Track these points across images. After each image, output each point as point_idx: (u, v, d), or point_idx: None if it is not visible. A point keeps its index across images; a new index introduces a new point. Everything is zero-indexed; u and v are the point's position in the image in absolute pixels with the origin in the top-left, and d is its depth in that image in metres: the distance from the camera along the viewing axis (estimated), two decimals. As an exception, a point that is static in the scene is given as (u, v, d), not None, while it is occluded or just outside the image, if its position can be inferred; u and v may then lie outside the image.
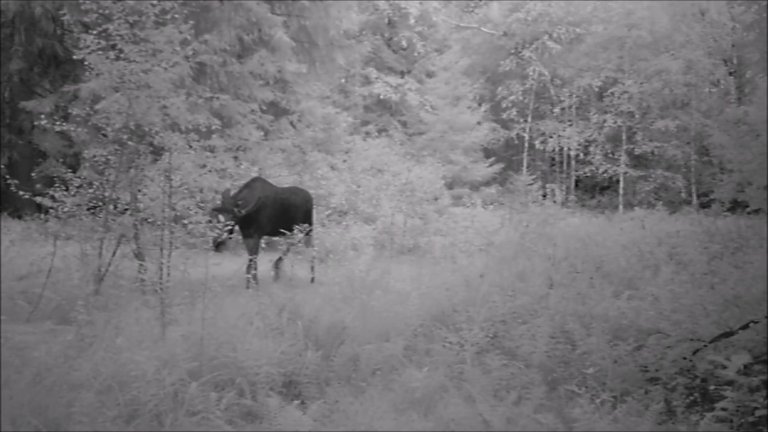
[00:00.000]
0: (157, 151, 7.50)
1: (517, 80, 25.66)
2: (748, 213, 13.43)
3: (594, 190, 25.80)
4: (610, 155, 24.49)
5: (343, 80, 23.02)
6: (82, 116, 7.31)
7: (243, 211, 8.20)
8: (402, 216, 13.03)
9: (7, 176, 7.28)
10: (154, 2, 7.39)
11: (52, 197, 7.01)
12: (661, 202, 20.30)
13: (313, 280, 8.77)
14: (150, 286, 6.10)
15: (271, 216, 8.79)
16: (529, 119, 25.57)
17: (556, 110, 25.73)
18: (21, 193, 6.94)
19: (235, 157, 13.26)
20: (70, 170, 7.38)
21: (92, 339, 4.75)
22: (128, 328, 4.89)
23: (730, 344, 4.52)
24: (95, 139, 7.75)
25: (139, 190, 7.26)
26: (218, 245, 7.17)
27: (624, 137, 23.94)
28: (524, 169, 24.25)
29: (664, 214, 16.56)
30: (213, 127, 9.61)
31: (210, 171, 8.21)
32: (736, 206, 15.08)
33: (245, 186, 8.87)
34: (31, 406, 3.72)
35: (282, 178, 12.86)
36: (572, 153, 25.26)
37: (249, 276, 7.71)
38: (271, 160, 13.78)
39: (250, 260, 8.06)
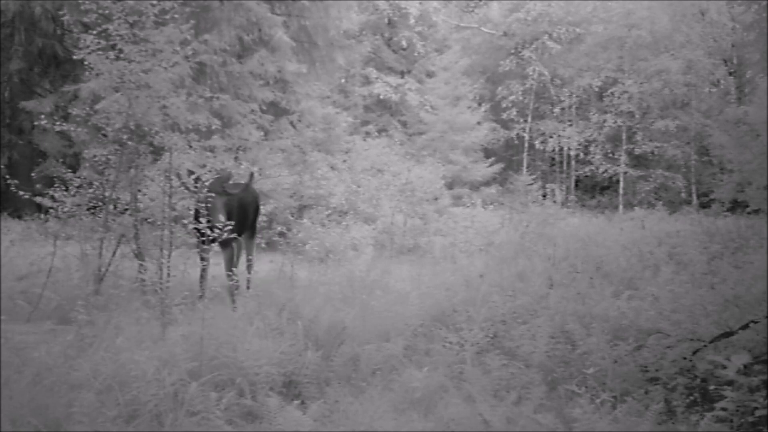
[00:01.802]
0: (157, 151, 7.49)
1: (517, 80, 25.66)
2: (748, 213, 13.42)
3: (594, 190, 25.80)
4: (610, 155, 24.50)
5: (343, 80, 23.02)
6: (82, 116, 7.30)
7: (236, 191, 7.17)
8: (402, 216, 13.04)
9: (7, 176, 7.27)
10: (154, 2, 7.38)
11: (52, 197, 7.00)
12: (661, 202, 20.31)
13: (248, 287, 7.39)
14: (150, 286, 6.09)
15: (238, 215, 7.63)
16: (529, 119, 25.58)
17: (556, 110, 25.74)
18: (21, 193, 6.94)
19: (235, 157, 13.27)
20: (70, 170, 7.38)
21: (92, 339, 4.74)
22: (128, 328, 4.89)
23: (730, 344, 4.53)
24: (95, 139, 7.74)
25: (139, 190, 7.25)
26: (226, 243, 6.38)
27: (624, 137, 23.95)
28: (524, 169, 24.26)
29: (664, 214, 16.58)
30: (213, 127, 9.59)
31: (210, 171, 8.21)
32: (736, 206, 15.07)
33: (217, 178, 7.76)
34: (31, 406, 3.72)
35: (282, 178, 12.86)
36: (572, 153, 25.26)
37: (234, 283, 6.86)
38: (271, 160, 13.77)
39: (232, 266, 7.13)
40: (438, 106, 23.40)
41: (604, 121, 24.17)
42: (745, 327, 4.52)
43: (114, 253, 7.04)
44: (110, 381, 4.00)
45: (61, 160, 10.93)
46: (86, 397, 3.74)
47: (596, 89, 24.82)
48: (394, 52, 25.58)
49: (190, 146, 7.28)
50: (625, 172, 23.76)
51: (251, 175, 7.98)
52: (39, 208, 8.04)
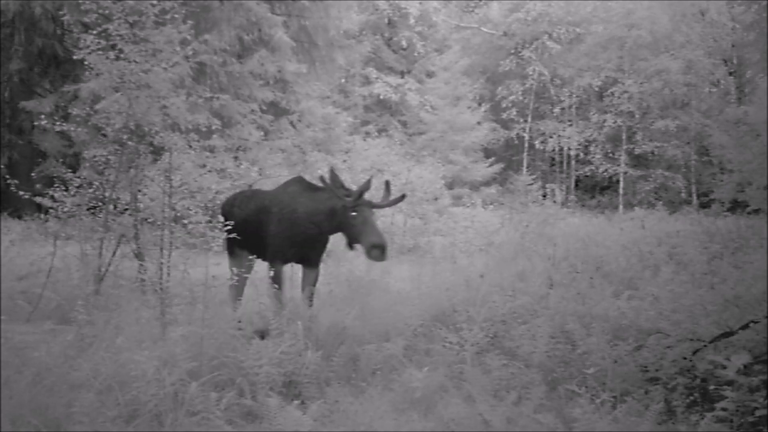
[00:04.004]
0: (157, 151, 7.49)
1: (517, 80, 25.68)
2: (748, 213, 13.40)
3: (594, 190, 25.81)
4: (610, 155, 24.51)
5: (343, 80, 23.05)
6: (82, 116, 7.29)
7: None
8: (402, 216, 13.03)
9: (7, 176, 7.27)
10: (154, 2, 7.37)
11: (52, 197, 6.99)
12: (661, 202, 20.31)
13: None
14: (150, 286, 6.09)
15: None
16: (529, 119, 25.59)
17: (556, 110, 25.74)
18: (21, 193, 6.93)
19: (235, 157, 13.26)
20: (70, 170, 7.37)
21: (92, 339, 4.74)
22: (128, 328, 4.88)
23: (730, 344, 4.52)
24: (95, 139, 7.73)
25: (139, 190, 7.25)
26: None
27: (624, 137, 23.96)
28: (524, 169, 24.27)
29: (664, 214, 16.57)
30: (213, 127, 9.58)
31: (210, 171, 8.21)
32: (736, 206, 15.05)
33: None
34: (31, 406, 3.72)
35: (282, 178, 12.85)
36: (572, 153, 25.27)
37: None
38: (271, 160, 13.79)
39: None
40: (438, 106, 23.41)
41: (604, 121, 24.19)
42: (745, 327, 4.51)
43: (114, 253, 7.03)
44: (110, 381, 3.99)
45: (61, 160, 10.94)
46: (86, 397, 3.74)
47: (596, 89, 24.85)
48: (394, 52, 25.60)
49: (190, 146, 7.26)
50: (625, 172, 23.77)
51: (387, 183, 6.26)
52: (39, 208, 8.03)
